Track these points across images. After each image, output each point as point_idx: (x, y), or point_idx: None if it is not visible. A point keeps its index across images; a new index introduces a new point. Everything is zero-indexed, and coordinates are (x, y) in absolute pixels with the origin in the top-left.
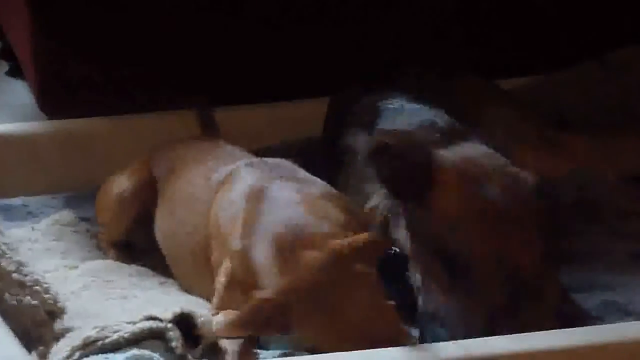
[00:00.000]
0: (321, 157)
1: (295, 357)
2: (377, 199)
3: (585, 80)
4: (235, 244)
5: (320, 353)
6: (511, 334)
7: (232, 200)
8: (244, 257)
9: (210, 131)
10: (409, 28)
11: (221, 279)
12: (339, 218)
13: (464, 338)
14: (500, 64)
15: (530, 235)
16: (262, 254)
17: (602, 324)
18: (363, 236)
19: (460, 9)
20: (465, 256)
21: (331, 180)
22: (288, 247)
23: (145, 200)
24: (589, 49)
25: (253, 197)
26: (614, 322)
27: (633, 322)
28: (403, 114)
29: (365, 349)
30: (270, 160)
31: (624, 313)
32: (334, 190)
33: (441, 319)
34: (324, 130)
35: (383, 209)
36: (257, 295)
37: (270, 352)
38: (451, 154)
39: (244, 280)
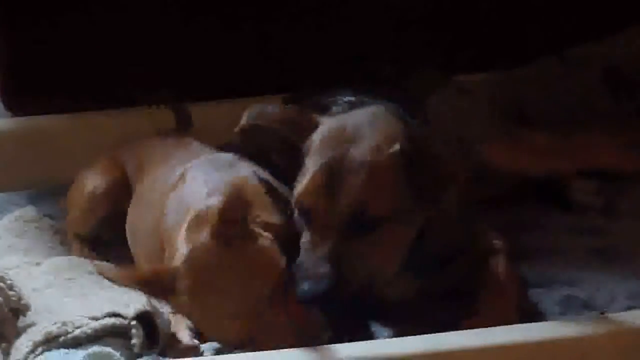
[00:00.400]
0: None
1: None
2: None
3: (545, 75)
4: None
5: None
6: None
7: (178, 203)
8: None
9: (184, 126)
10: (371, 24)
11: None
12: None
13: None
14: (462, 59)
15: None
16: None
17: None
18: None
19: (423, 5)
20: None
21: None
22: (195, 225)
23: (117, 199)
24: (549, 45)
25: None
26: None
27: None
28: (337, 107)
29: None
30: (216, 157)
31: (585, 308)
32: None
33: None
34: None
35: None
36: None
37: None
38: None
39: None
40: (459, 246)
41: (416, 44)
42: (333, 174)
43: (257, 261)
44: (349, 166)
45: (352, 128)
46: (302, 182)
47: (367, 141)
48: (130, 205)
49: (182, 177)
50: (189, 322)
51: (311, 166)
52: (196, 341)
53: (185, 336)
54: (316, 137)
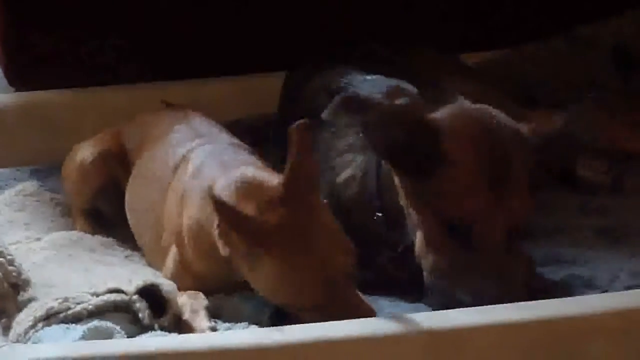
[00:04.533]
0: (275, 134)
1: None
2: (353, 169)
3: (552, 55)
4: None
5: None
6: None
7: (181, 184)
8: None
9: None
10: (378, 1)
11: (170, 265)
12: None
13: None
14: (467, 37)
15: (526, 193)
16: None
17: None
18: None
19: None
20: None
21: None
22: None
23: (110, 171)
24: (555, 24)
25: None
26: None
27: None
28: (367, 84)
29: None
30: (220, 144)
31: (588, 287)
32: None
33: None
34: (279, 108)
35: (360, 179)
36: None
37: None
38: (453, 122)
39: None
40: None
41: (422, 22)
42: (495, 175)
43: (341, 234)
44: (513, 166)
45: (488, 117)
46: (459, 191)
47: (507, 130)
48: (130, 181)
49: (185, 158)
50: (206, 303)
51: (462, 173)
52: (214, 323)
53: (202, 321)
54: (459, 144)
